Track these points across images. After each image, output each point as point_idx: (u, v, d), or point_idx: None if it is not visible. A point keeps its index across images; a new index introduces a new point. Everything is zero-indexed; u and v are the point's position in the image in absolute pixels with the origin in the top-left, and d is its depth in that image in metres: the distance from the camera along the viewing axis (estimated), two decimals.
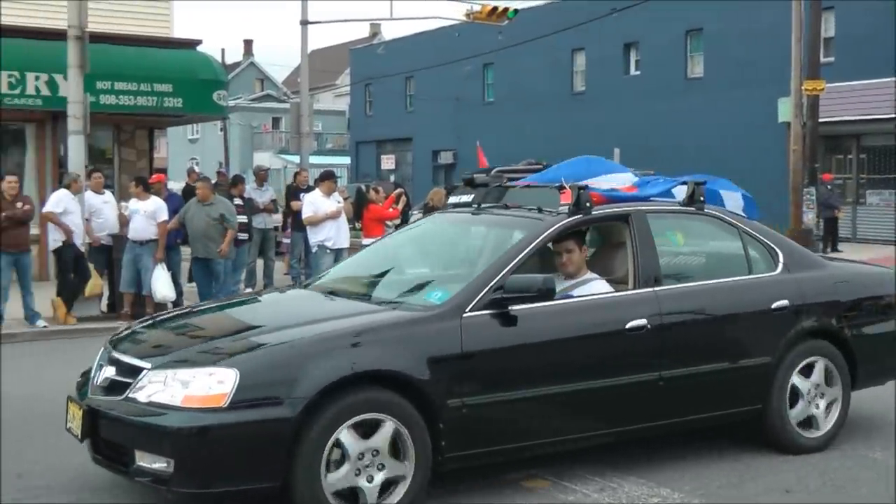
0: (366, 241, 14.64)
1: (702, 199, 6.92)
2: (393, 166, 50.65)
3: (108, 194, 15.02)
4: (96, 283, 13.78)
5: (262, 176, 18.20)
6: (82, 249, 13.77)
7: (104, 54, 16.38)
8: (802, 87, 21.03)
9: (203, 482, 5.17)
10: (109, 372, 5.73)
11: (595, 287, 6.53)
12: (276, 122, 61.35)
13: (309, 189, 16.46)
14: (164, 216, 13.75)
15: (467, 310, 5.79)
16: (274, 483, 5.21)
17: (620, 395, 6.20)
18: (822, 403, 6.97)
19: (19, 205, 13.13)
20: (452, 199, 7.61)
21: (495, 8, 23.53)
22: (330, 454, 5.29)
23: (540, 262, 6.70)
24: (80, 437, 5.66)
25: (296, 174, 19.08)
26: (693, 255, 7.14)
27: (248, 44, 71.17)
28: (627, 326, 6.20)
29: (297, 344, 5.51)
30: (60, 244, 13.53)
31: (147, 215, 13.62)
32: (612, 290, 6.54)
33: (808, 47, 21.16)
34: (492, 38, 33.39)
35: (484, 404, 5.73)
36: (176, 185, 22.69)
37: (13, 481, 6.33)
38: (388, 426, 5.41)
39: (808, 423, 6.93)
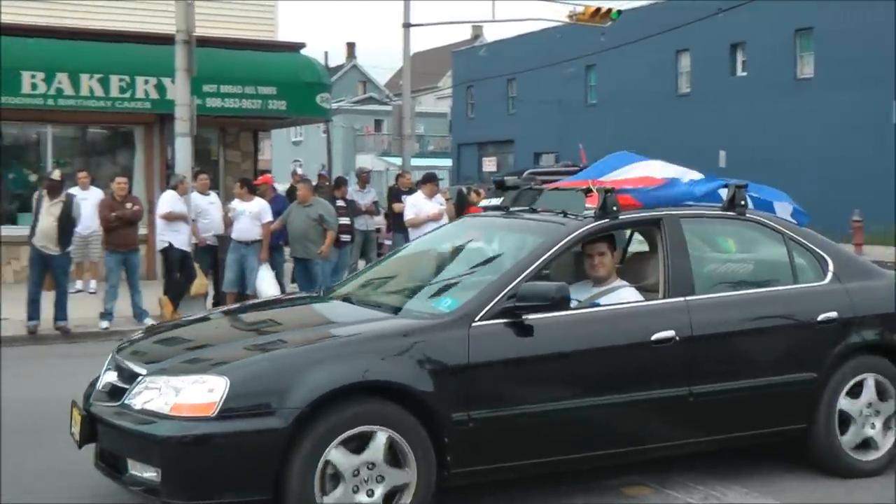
0: None
1: (743, 202, 6.51)
2: (494, 168, 50.58)
3: (213, 195, 15.28)
4: (201, 283, 14.02)
5: (364, 178, 18.32)
6: (188, 249, 14.04)
7: (210, 58, 16.65)
8: None
9: (192, 493, 5.00)
10: (111, 377, 5.64)
11: (623, 295, 6.20)
12: (378, 124, 61.80)
13: (411, 191, 16.51)
14: (269, 217, 13.93)
15: (476, 319, 5.50)
16: (264, 497, 5.02)
17: (645, 411, 5.85)
18: (878, 422, 6.43)
19: (128, 205, 13.45)
20: (484, 202, 7.41)
21: (598, 9, 23.29)
22: (325, 469, 5.08)
23: (574, 266, 6.50)
24: (78, 442, 5.55)
25: (398, 176, 19.15)
26: (731, 262, 6.71)
27: (350, 46, 71.87)
28: (653, 338, 5.83)
29: (291, 353, 5.35)
30: (167, 244, 13.82)
31: (252, 216, 13.81)
32: (641, 298, 6.20)
33: None
34: (594, 40, 33.12)
35: (493, 418, 5.42)
36: (281, 187, 22.99)
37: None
38: (381, 436, 5.15)
39: (866, 444, 6.43)
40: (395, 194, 17.67)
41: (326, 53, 52.48)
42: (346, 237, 15.58)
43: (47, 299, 12.58)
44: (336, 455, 5.08)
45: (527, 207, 6.70)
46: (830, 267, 6.58)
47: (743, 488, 6.15)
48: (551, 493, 6.01)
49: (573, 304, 6.09)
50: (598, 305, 6.09)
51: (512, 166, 47.11)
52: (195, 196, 14.56)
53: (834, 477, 6.32)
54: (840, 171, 31.97)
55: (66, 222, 12.41)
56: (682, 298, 6.04)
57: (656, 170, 6.76)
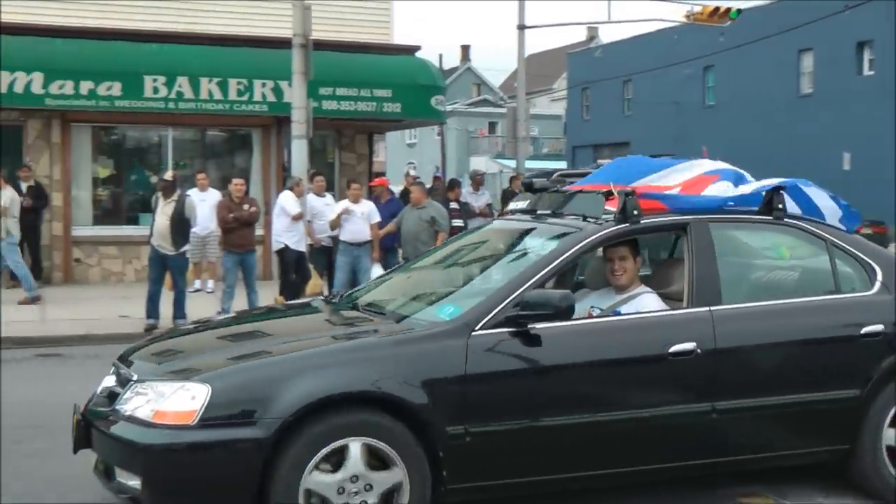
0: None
1: (780, 206, 6.06)
2: None
3: (328, 197, 15.42)
4: (316, 284, 14.16)
5: (478, 180, 18.29)
6: (304, 250, 14.19)
7: (326, 61, 16.81)
8: None
9: (172, 503, 4.92)
10: (110, 382, 5.53)
11: (645, 302, 5.87)
12: (492, 126, 61.77)
13: None
14: (377, 218, 14.04)
15: (477, 327, 5.22)
16: None
17: (661, 428, 5.49)
18: None
19: (246, 207, 13.66)
20: (512, 205, 7.15)
21: (717, 8, 22.83)
22: (309, 499, 4.89)
23: (601, 272, 6.20)
24: (73, 447, 5.45)
25: (512, 178, 19.09)
26: (765, 270, 6.31)
27: (465, 49, 72.01)
28: (671, 350, 5.47)
29: (276, 361, 5.14)
30: (283, 245, 13.99)
31: (363, 217, 13.90)
32: (664, 307, 5.85)
33: None
34: (713, 40, 32.45)
35: (493, 433, 5.15)
36: (396, 189, 23.12)
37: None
38: (354, 447, 4.91)
39: None
40: (510, 196, 17.56)
41: (441, 56, 52.94)
42: None
43: (167, 298, 12.84)
44: (315, 480, 4.88)
45: (547, 211, 6.41)
46: (879, 276, 6.09)
47: (865, 500, 5.91)
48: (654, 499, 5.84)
49: (595, 311, 5.92)
50: (619, 314, 5.82)
51: None
52: (311, 197, 14.71)
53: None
54: None
55: (179, 221, 12.65)
56: (706, 308, 5.67)
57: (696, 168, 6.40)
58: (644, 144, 46.48)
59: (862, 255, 6.17)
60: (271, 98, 18.08)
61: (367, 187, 17.31)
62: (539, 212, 6.50)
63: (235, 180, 14.18)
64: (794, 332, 5.83)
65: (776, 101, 39.00)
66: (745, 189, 6.20)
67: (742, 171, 6.47)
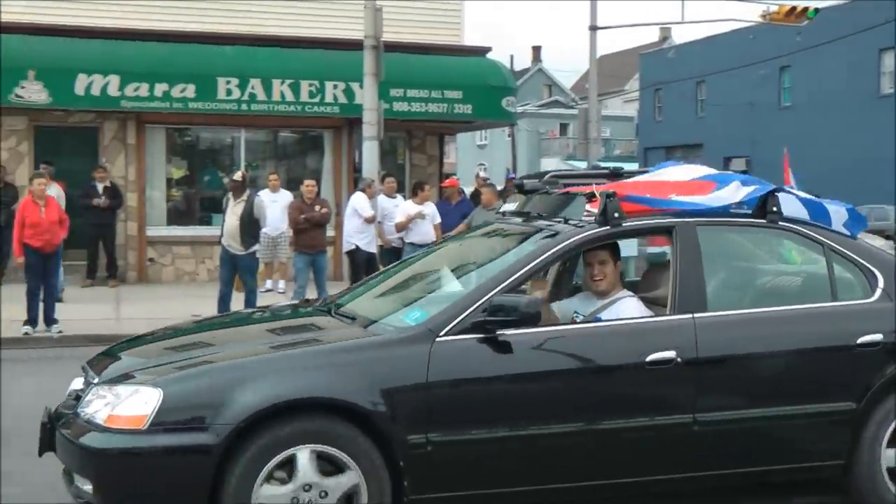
0: (651, 247, 14.21)
1: (775, 209, 5.75)
2: None
3: (399, 198, 15.43)
4: None
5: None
6: (374, 251, 14.20)
7: (397, 63, 16.84)
8: None
9: None
10: (78, 384, 5.41)
11: (625, 308, 5.65)
12: (563, 127, 61.49)
13: None
14: (439, 219, 14.14)
15: (442, 333, 5.03)
16: None
17: (637, 440, 5.27)
18: None
19: (317, 208, 13.73)
20: (504, 207, 6.95)
21: (794, 7, 22.42)
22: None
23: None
24: (38, 450, 5.31)
25: None
26: (758, 276, 6.05)
27: (536, 50, 71.75)
28: (649, 359, 5.22)
29: (229, 366, 5.02)
30: (354, 247, 14.01)
31: (430, 219, 13.88)
32: (646, 312, 5.64)
33: None
34: (789, 40, 31.97)
35: (456, 443, 4.97)
36: (466, 191, 23.07)
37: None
38: (301, 455, 4.78)
39: None
40: None
41: (512, 57, 52.73)
42: None
43: (239, 298, 12.92)
44: (267, 493, 4.75)
45: (536, 214, 6.21)
46: (880, 283, 5.76)
47: None
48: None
49: (578, 317, 5.74)
50: (599, 320, 5.60)
51: None
52: (381, 199, 14.73)
53: None
54: None
55: (249, 221, 12.72)
56: (689, 315, 5.41)
57: (690, 173, 6.12)
58: (717, 146, 45.98)
59: (862, 261, 5.84)
60: (343, 100, 18.15)
61: (438, 188, 17.28)
62: (525, 214, 6.32)
63: (307, 181, 14.25)
64: (784, 342, 5.56)
65: (855, 101, 38.22)
66: (739, 194, 5.89)
67: (739, 175, 6.19)
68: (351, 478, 4.85)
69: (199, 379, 4.91)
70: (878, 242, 8.19)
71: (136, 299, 15.45)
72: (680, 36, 61.21)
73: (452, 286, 5.84)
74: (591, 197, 5.68)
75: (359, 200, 14.26)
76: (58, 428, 5.10)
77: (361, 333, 5.33)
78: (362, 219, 13.99)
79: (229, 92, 17.63)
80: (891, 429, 5.58)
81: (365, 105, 15.61)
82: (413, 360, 4.98)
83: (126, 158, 18.13)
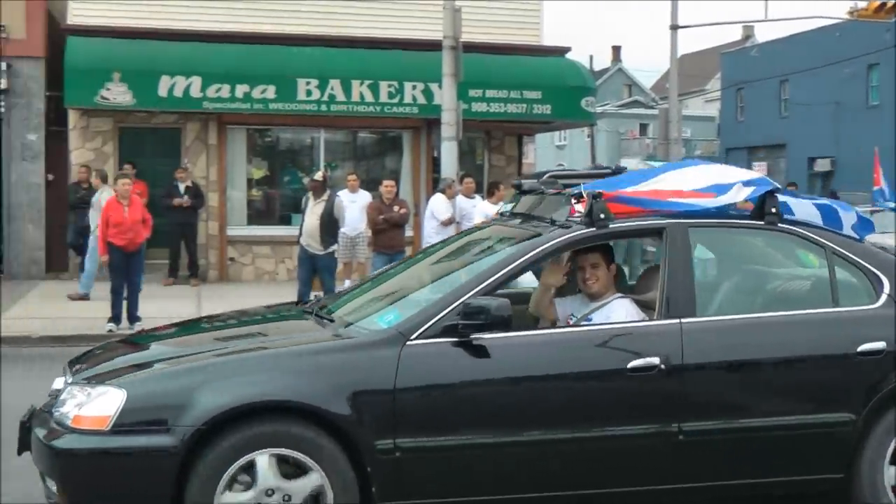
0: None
1: (774, 210, 5.51)
2: (765, 174, 48.69)
3: (477, 199, 15.37)
4: None
5: None
6: None
7: (476, 63, 16.81)
8: None
9: None
10: (59, 384, 5.36)
11: (616, 311, 5.46)
12: (643, 128, 60.94)
13: None
14: None
15: (413, 337, 4.91)
16: None
17: (617, 449, 5.08)
18: None
19: (396, 208, 13.76)
20: (501, 208, 6.72)
21: (883, 3, 21.88)
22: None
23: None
24: (17, 450, 5.28)
25: None
26: (754, 279, 5.83)
27: (616, 50, 71.25)
28: (630, 366, 5.04)
29: (194, 367, 4.95)
30: None
31: None
32: (638, 316, 5.46)
33: None
34: (878, 37, 31.22)
35: (426, 449, 4.84)
36: None
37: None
38: (261, 460, 4.69)
39: None
40: None
41: (591, 57, 52.54)
42: None
43: None
44: (228, 501, 4.68)
45: (524, 214, 6.07)
46: (886, 288, 5.49)
47: None
48: None
49: (572, 319, 5.57)
50: (590, 322, 5.46)
51: (784, 172, 45.29)
52: (460, 199, 14.69)
53: None
54: None
55: (329, 221, 12.77)
56: (676, 320, 5.20)
57: (691, 180, 5.75)
58: (801, 146, 45.14)
59: (867, 265, 5.56)
60: (421, 100, 18.16)
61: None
62: (522, 215, 6.15)
63: (386, 182, 14.27)
64: (777, 349, 5.33)
65: None
66: (741, 194, 5.64)
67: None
68: (313, 479, 4.76)
69: (164, 380, 4.87)
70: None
71: (217, 298, 15.60)
72: (763, 34, 60.33)
73: (433, 288, 5.65)
74: (579, 197, 5.51)
75: (436, 203, 14.24)
76: (33, 427, 5.08)
77: (332, 336, 5.26)
78: (439, 221, 13.97)
79: (309, 93, 17.74)
80: (894, 444, 5.34)
81: (444, 105, 15.60)
82: (381, 364, 4.87)
83: (207, 159, 18.36)
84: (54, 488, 4.83)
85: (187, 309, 14.40)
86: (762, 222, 5.57)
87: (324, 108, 17.90)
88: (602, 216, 5.33)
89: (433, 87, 17.44)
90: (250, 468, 4.71)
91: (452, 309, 4.99)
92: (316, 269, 12.93)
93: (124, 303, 12.64)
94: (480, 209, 14.63)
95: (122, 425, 4.65)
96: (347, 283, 16.51)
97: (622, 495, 5.16)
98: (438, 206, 14.12)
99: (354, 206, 15.35)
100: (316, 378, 4.83)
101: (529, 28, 20.02)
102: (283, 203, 19.36)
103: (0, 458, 6.48)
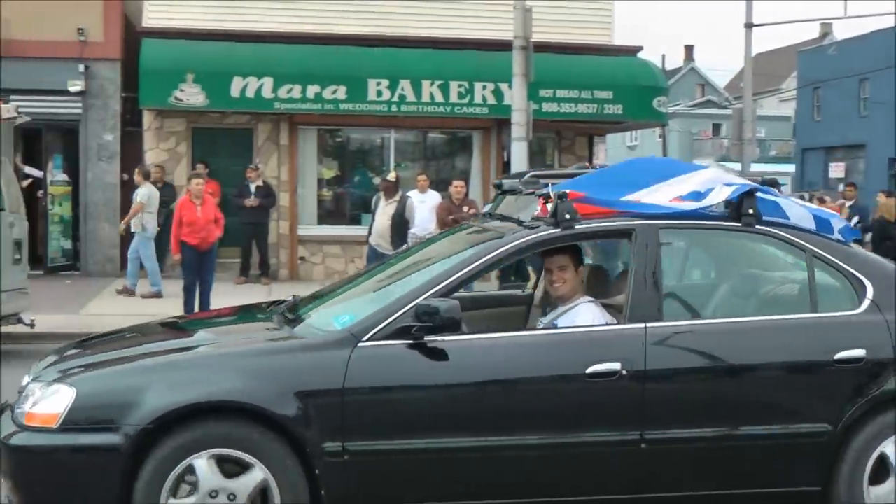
0: None
1: (751, 211, 5.28)
2: (842, 175, 47.79)
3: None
4: (534, 284, 14.04)
5: None
6: None
7: (547, 63, 16.71)
8: None
9: None
10: (25, 381, 5.30)
11: (580, 315, 5.31)
12: (716, 128, 60.24)
13: None
14: None
15: (365, 338, 4.82)
16: None
17: (576, 456, 4.92)
18: None
19: (465, 208, 13.75)
20: (485, 209, 6.59)
21: None
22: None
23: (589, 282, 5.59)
24: None
25: None
26: (727, 283, 5.63)
27: (688, 49, 70.52)
28: (588, 371, 4.88)
29: (143, 366, 4.92)
30: None
31: None
32: (604, 319, 5.32)
33: None
34: None
35: (375, 453, 4.77)
36: None
37: None
38: (200, 462, 4.64)
39: None
40: None
41: (663, 56, 52.02)
42: None
43: None
44: None
45: (499, 215, 5.97)
46: (868, 293, 5.26)
47: None
48: None
49: (540, 324, 5.44)
50: (556, 326, 5.33)
51: (863, 172, 44.47)
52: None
53: None
54: None
55: (400, 222, 12.79)
56: (641, 325, 5.02)
57: (693, 184, 5.53)
58: (881, 146, 44.22)
59: (850, 269, 5.33)
60: (491, 100, 18.10)
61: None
62: (497, 216, 6.05)
63: (456, 182, 14.26)
64: (747, 355, 5.13)
65: None
66: (723, 194, 5.39)
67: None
68: (255, 476, 4.70)
69: (113, 379, 4.86)
70: None
71: (288, 296, 15.69)
72: (842, 32, 59.27)
73: (393, 290, 5.51)
74: (547, 197, 5.34)
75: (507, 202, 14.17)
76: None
77: (286, 336, 5.21)
78: None
79: (379, 93, 17.79)
80: (873, 459, 5.15)
81: (514, 106, 15.55)
82: (330, 365, 4.80)
83: (279, 159, 18.51)
84: (9, 486, 4.86)
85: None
86: (739, 223, 5.37)
87: (394, 108, 17.94)
88: (567, 216, 5.18)
89: (503, 87, 17.37)
90: (190, 476, 4.69)
91: (406, 311, 4.89)
92: None
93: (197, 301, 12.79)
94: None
95: (70, 423, 4.65)
96: None
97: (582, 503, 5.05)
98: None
99: (424, 206, 15.34)
100: (263, 378, 4.77)
101: (601, 27, 19.87)
102: (353, 203, 19.45)
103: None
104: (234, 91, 17.31)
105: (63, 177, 18.58)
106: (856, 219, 16.54)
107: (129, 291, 15.65)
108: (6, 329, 11.10)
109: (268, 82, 17.38)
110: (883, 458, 5.16)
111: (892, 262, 5.77)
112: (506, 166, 18.13)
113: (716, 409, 5.07)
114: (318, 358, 4.86)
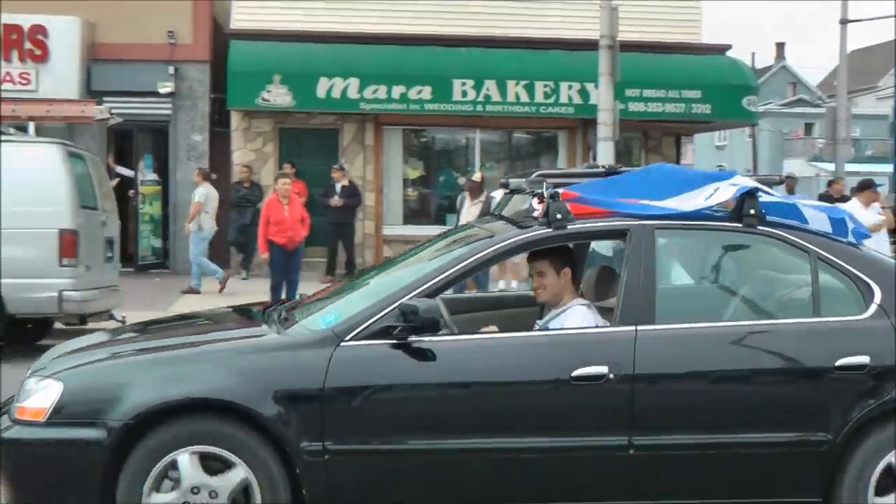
0: None
1: (752, 211, 5.08)
2: None
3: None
4: None
5: (789, 184, 17.48)
6: (610, 254, 13.95)
7: (633, 62, 16.53)
8: None
9: (21, 501, 4.76)
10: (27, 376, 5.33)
11: (571, 317, 5.20)
12: (808, 127, 59.09)
13: (844, 199, 15.51)
14: None
15: (348, 338, 4.76)
16: None
17: (562, 461, 4.79)
18: None
19: None
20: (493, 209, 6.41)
21: None
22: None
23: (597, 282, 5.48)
24: None
25: (829, 183, 18.13)
26: (727, 286, 5.49)
27: (779, 47, 69.28)
28: (574, 374, 4.74)
29: (128, 362, 4.95)
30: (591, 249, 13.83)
31: None
32: (596, 322, 5.18)
33: None
34: None
35: (356, 453, 4.71)
36: None
37: None
38: (182, 459, 4.63)
39: None
40: (827, 201, 16.62)
41: (753, 55, 51.22)
42: None
43: None
44: (155, 503, 4.66)
45: (498, 214, 5.88)
46: (876, 298, 5.00)
47: None
48: None
49: (535, 327, 5.32)
50: (548, 329, 5.23)
51: None
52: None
53: None
54: None
55: None
56: (631, 327, 4.86)
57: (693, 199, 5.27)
58: None
59: (857, 272, 5.08)
60: (577, 100, 18.00)
61: None
62: (498, 216, 5.94)
63: None
64: (742, 360, 4.96)
65: None
66: (727, 193, 5.19)
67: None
68: (237, 474, 4.69)
69: (100, 374, 4.91)
70: None
71: None
72: None
73: (380, 289, 5.38)
74: (542, 197, 5.20)
75: None
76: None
77: (272, 335, 5.16)
78: None
79: (464, 93, 17.81)
80: (879, 470, 4.92)
81: (600, 105, 15.41)
82: (311, 365, 4.75)
83: (364, 159, 18.62)
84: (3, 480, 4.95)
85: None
86: (740, 224, 5.18)
87: (479, 108, 17.94)
88: (559, 216, 5.05)
89: (589, 86, 17.25)
90: (172, 471, 4.72)
91: (390, 311, 4.83)
92: None
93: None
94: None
95: (56, 417, 4.72)
96: (501, 285, 16.52)
97: None
98: None
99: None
100: (244, 376, 4.76)
101: (689, 26, 19.61)
102: (438, 203, 19.51)
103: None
104: (321, 92, 17.46)
105: (153, 176, 18.98)
106: None
107: (193, 291, 15.86)
108: (93, 325, 11.31)
109: (353, 83, 17.51)
110: (890, 469, 4.95)
111: None
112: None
113: (708, 415, 4.92)
114: (300, 357, 4.83)
